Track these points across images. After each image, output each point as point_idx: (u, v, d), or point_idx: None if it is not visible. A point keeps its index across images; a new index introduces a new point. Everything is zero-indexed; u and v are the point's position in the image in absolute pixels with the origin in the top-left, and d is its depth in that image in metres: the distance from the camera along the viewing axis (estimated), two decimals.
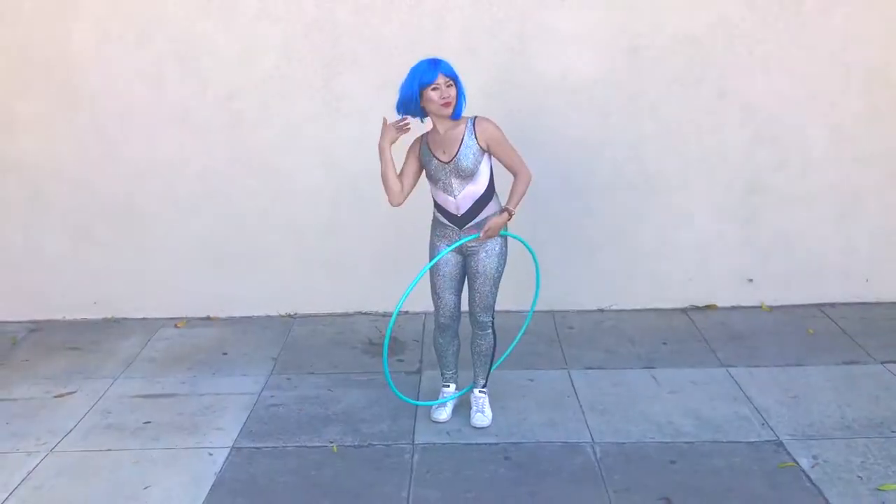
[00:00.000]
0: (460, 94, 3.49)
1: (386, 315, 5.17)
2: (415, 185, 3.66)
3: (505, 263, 3.71)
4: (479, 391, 3.91)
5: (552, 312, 5.12)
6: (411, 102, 3.48)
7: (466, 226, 3.59)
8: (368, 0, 4.74)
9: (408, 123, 3.60)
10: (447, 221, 3.62)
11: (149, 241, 5.13)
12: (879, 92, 4.83)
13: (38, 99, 4.91)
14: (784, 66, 4.80)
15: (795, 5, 4.71)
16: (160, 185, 5.03)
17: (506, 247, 3.70)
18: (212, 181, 5.02)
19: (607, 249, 5.12)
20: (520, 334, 4.23)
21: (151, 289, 5.20)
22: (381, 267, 5.12)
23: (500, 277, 3.71)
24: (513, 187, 3.58)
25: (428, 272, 3.71)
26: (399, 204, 3.64)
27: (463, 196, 3.54)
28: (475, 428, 3.83)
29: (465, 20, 4.76)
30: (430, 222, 3.74)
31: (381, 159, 3.59)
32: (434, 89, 3.42)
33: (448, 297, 3.70)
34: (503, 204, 3.62)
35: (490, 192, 3.60)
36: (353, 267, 5.14)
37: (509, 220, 3.58)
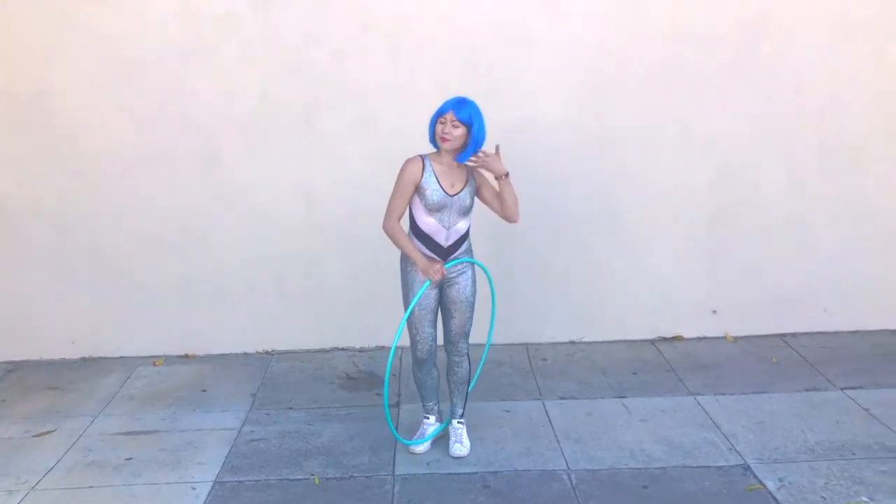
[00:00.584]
0: (471, 142, 3.64)
1: (363, 350, 5.27)
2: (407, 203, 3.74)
3: (476, 291, 3.88)
4: (458, 422, 4.01)
5: (526, 345, 5.26)
6: (431, 127, 3.68)
7: (450, 257, 3.74)
8: (345, 45, 4.90)
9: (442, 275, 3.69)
10: (431, 253, 3.73)
11: (127, 280, 5.18)
12: (831, 131, 5.09)
13: (19, 139, 4.98)
14: (742, 106, 5.05)
15: (751, 50, 4.97)
16: (139, 223, 5.11)
17: (475, 276, 3.87)
18: (191, 219, 5.10)
19: (577, 283, 5.28)
20: (481, 363, 4.32)
21: (129, 327, 5.24)
22: (358, 303, 5.22)
23: (474, 304, 3.87)
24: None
25: (404, 304, 3.82)
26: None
27: (455, 229, 3.71)
28: (454, 458, 3.92)
29: (439, 64, 4.94)
30: (401, 257, 3.84)
31: (412, 254, 3.68)
32: (440, 122, 3.62)
33: (427, 331, 3.81)
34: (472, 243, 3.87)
35: (469, 232, 3.81)
36: (330, 303, 5.23)
37: (506, 178, 3.70)
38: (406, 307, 3.79)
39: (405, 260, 3.80)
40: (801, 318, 5.32)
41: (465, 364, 3.95)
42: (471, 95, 4.83)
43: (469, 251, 3.86)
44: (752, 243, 5.25)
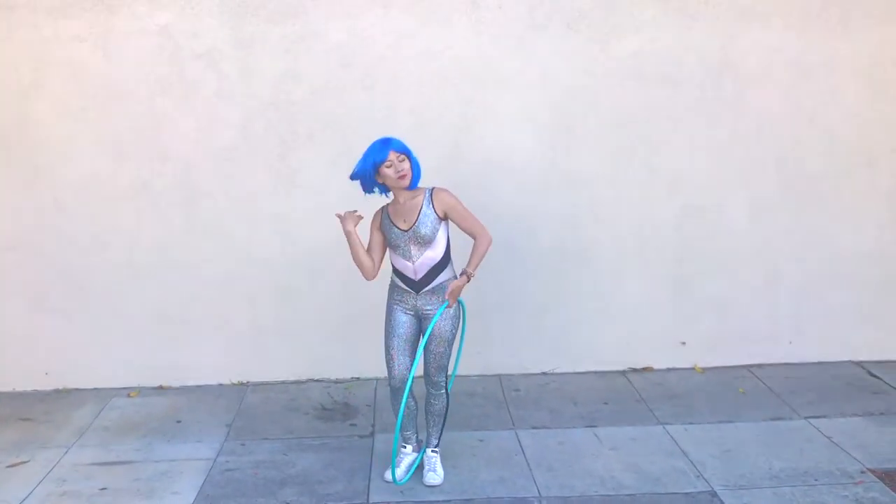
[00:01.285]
0: (414, 166, 3.77)
1: (339, 381, 5.32)
2: (384, 255, 3.90)
3: (458, 327, 3.93)
4: (432, 451, 4.07)
5: (499, 376, 5.34)
6: (368, 180, 3.77)
7: (423, 290, 3.82)
8: (323, 82, 5.03)
9: (356, 212, 3.84)
10: (404, 286, 3.84)
11: (103, 311, 5.21)
12: (792, 169, 5.28)
13: None
14: (707, 144, 5.23)
15: (714, 90, 5.16)
16: (117, 254, 5.15)
17: (459, 310, 3.92)
18: (168, 251, 5.16)
19: (549, 316, 5.39)
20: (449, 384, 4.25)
21: (104, 359, 5.26)
22: (333, 335, 5.28)
23: (453, 339, 3.92)
24: (473, 250, 3.80)
25: (384, 334, 3.90)
26: (374, 277, 3.88)
27: (421, 262, 3.79)
28: (428, 486, 3.97)
29: (414, 101, 5.08)
30: (387, 287, 3.96)
31: (349, 243, 3.81)
32: (388, 166, 3.71)
33: (401, 359, 3.88)
34: (457, 271, 3.87)
35: (446, 259, 3.86)
36: (305, 335, 5.28)
37: (468, 282, 3.77)
38: (384, 336, 3.90)
39: (390, 288, 3.93)
40: (767, 350, 5.47)
41: (442, 399, 4.01)
42: (444, 131, 5.08)
43: (453, 279, 3.84)
44: (718, 277, 5.40)
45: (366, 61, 5.04)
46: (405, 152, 3.76)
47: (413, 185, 3.79)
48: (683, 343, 5.46)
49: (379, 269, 3.90)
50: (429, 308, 3.85)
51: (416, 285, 3.82)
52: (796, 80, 5.19)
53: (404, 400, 3.74)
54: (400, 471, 4.03)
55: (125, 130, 5.04)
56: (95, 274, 5.18)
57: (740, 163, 5.27)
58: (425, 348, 3.90)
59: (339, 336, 5.27)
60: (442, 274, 3.84)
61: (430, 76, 5.07)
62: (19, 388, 5.25)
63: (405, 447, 4.11)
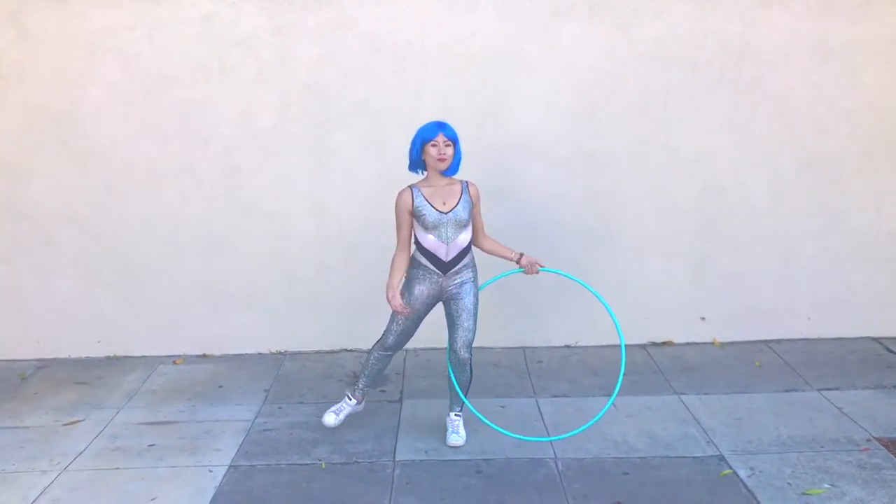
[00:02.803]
0: (457, 154, 4.04)
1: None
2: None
3: (478, 303, 4.17)
4: (455, 414, 4.33)
5: (523, 348, 5.57)
6: (414, 154, 4.07)
7: (449, 271, 4.06)
8: (356, 68, 5.28)
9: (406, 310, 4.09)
10: (433, 266, 4.06)
11: (150, 284, 5.56)
12: (811, 149, 5.40)
13: (53, 153, 5.38)
14: (727, 126, 5.37)
15: (734, 73, 5.30)
16: (163, 231, 5.49)
17: (477, 283, 4.16)
18: (211, 228, 5.48)
19: (572, 291, 5.53)
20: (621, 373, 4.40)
21: (152, 328, 5.61)
22: (365, 307, 5.53)
23: (476, 314, 4.16)
24: (502, 247, 4.24)
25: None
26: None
27: (454, 244, 4.03)
28: (451, 447, 4.24)
29: (442, 86, 5.30)
30: (411, 262, 4.17)
31: (390, 280, 4.09)
32: (433, 146, 3.98)
33: (409, 327, 4.17)
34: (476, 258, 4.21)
35: (470, 245, 4.13)
36: (339, 307, 5.57)
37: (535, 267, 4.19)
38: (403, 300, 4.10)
39: (411, 266, 4.13)
40: (785, 326, 5.62)
41: (467, 372, 4.20)
42: (471, 115, 5.28)
43: (471, 265, 4.15)
44: (738, 255, 5.55)
45: (395, 47, 5.27)
46: (454, 140, 4.04)
47: (450, 172, 4.06)
48: (703, 318, 5.63)
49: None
50: (454, 287, 4.08)
51: (446, 266, 4.05)
52: (816, 63, 5.30)
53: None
54: (339, 418, 4.34)
55: (170, 114, 5.34)
56: (143, 250, 5.52)
57: (760, 144, 5.41)
58: (452, 325, 4.13)
59: (371, 308, 5.48)
60: (466, 257, 4.10)
61: (457, 61, 5.28)
62: (74, 355, 5.63)
63: (351, 400, 4.38)
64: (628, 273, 5.59)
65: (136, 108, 5.34)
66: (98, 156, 5.40)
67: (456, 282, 4.09)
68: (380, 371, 4.36)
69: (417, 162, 4.08)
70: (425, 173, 4.12)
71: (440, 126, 4.01)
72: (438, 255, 4.03)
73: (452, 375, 4.20)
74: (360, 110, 5.33)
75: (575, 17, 5.26)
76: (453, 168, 4.07)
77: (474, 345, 4.20)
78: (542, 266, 4.21)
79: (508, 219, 5.42)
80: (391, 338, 4.22)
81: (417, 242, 4.10)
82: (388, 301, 4.05)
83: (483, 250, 4.24)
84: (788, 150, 5.42)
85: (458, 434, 4.28)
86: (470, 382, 4.27)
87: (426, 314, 4.20)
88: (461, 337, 4.11)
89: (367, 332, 5.53)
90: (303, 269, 5.55)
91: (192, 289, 5.57)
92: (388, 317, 4.29)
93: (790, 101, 5.36)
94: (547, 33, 5.27)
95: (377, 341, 4.32)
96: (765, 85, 5.33)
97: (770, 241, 5.54)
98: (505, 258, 4.22)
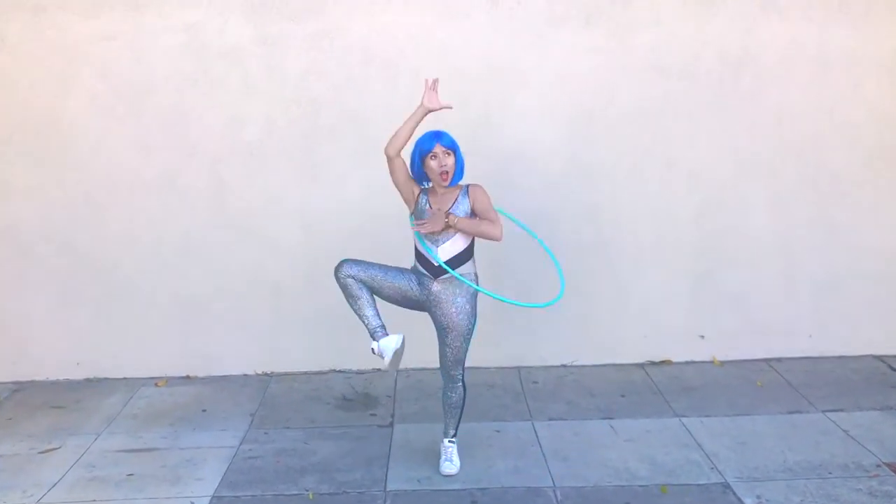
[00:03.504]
0: (458, 163, 3.86)
1: (360, 373, 5.42)
2: (402, 172, 3.86)
3: (475, 320, 3.98)
4: (448, 441, 4.15)
5: (518, 368, 5.40)
6: (415, 169, 3.89)
7: (441, 276, 3.86)
8: (345, 79, 5.12)
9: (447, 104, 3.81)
10: (424, 271, 3.90)
11: (132, 303, 5.36)
12: (812, 163, 5.27)
13: (31, 166, 5.18)
14: (726, 138, 5.24)
15: (733, 83, 5.17)
16: (145, 247, 5.30)
17: (475, 305, 3.98)
18: (195, 244, 5.29)
19: (569, 309, 5.39)
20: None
21: (133, 349, 5.40)
22: (355, 326, 5.29)
23: (470, 334, 3.96)
24: (480, 222, 3.86)
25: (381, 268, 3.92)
26: (390, 155, 3.79)
27: (442, 248, 3.83)
28: (444, 475, 4.05)
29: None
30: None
31: (413, 115, 3.77)
32: (433, 158, 3.80)
33: (385, 289, 3.89)
34: (478, 270, 3.97)
35: (469, 254, 3.91)
36: (327, 326, 5.38)
37: (445, 219, 3.75)
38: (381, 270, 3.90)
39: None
40: (786, 344, 5.47)
41: (459, 391, 4.04)
42: (463, 125, 5.06)
43: (472, 274, 3.92)
44: (738, 271, 5.40)
45: (386, 57, 5.12)
46: (453, 148, 3.84)
47: (452, 183, 3.88)
48: (702, 336, 5.48)
49: (397, 156, 3.81)
50: (444, 295, 3.88)
51: (437, 270, 3.84)
52: (817, 74, 5.18)
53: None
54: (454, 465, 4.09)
55: (153, 126, 5.17)
56: (124, 266, 5.33)
57: (760, 156, 5.27)
58: (441, 341, 3.96)
59: (361, 328, 5.29)
60: (463, 266, 3.88)
61: (450, 71, 5.06)
62: (51, 378, 5.42)
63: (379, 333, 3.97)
64: (625, 289, 5.43)
65: (117, 120, 5.16)
66: (78, 169, 5.21)
67: (447, 290, 3.88)
68: (367, 299, 3.95)
69: (421, 175, 3.89)
70: (430, 185, 3.94)
71: (436, 136, 3.82)
72: (428, 257, 3.86)
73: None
74: (350, 122, 5.16)
75: (570, 26, 5.12)
76: (455, 179, 3.87)
77: (466, 364, 4.04)
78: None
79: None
80: (348, 269, 3.89)
81: (415, 249, 3.94)
82: (426, 104, 3.76)
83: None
84: (789, 163, 5.29)
85: (451, 462, 4.10)
86: (464, 400, 4.09)
87: (402, 302, 3.95)
88: (448, 354, 3.94)
89: (356, 351, 5.36)
90: (290, 286, 5.37)
91: (175, 307, 5.37)
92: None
93: (790, 113, 5.23)
94: (541, 42, 5.13)
95: (340, 265, 3.94)
96: (764, 96, 5.21)
97: (770, 256, 5.40)
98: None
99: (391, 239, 4.82)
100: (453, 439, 4.16)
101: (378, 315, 3.95)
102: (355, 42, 5.11)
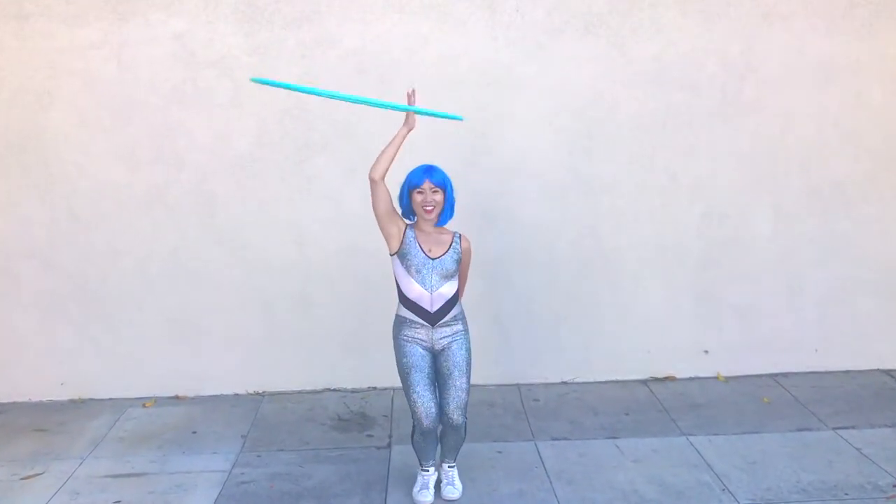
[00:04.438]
0: (448, 203, 3.71)
1: (355, 391, 5.25)
2: (386, 202, 3.68)
3: (471, 364, 3.79)
4: (449, 466, 3.98)
5: (518, 385, 5.25)
6: (403, 199, 3.74)
7: (438, 323, 3.70)
8: (338, 88, 4.91)
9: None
10: (420, 319, 3.70)
11: (118, 321, 5.18)
12: (816, 173, 5.17)
13: (14, 180, 5.01)
14: (728, 149, 5.13)
15: (735, 93, 5.07)
16: (132, 264, 5.12)
17: (470, 349, 3.79)
18: (183, 260, 5.12)
19: (569, 324, 5.30)
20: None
21: (120, 369, 5.22)
22: (350, 344, 5.22)
23: (469, 376, 3.78)
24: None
25: (401, 373, 3.75)
26: (375, 179, 3.63)
27: (438, 294, 3.68)
28: (446, 500, 3.89)
29: (429, 106, 4.96)
30: (392, 325, 3.81)
31: (395, 136, 3.64)
32: (419, 193, 3.65)
33: (427, 396, 3.68)
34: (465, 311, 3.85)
35: (456, 297, 3.77)
36: (322, 344, 5.22)
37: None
38: (400, 374, 3.75)
39: (397, 326, 3.77)
40: (792, 359, 5.35)
41: (461, 433, 3.82)
42: (461, 137, 4.98)
43: (461, 318, 3.79)
44: (742, 284, 5.29)
45: (381, 67, 4.98)
46: (443, 187, 3.69)
47: (441, 223, 3.74)
48: (706, 352, 5.35)
49: (381, 181, 3.64)
50: (444, 339, 3.72)
51: (432, 318, 3.69)
52: (820, 83, 5.09)
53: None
54: (429, 495, 3.89)
55: (140, 139, 5.01)
56: (110, 283, 5.15)
57: (763, 168, 5.17)
58: (443, 385, 3.75)
59: (356, 345, 5.20)
60: (454, 309, 3.75)
61: (447, 81, 4.99)
62: (35, 399, 5.22)
63: (427, 470, 3.92)
64: (627, 303, 5.30)
65: (103, 132, 4.99)
66: (62, 183, 5.04)
67: (446, 334, 3.72)
68: (432, 448, 3.87)
69: (408, 209, 3.74)
70: (416, 220, 3.77)
71: (427, 172, 3.67)
72: (423, 305, 3.69)
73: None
74: (343, 134, 5.02)
75: (569, 36, 5.01)
76: (444, 217, 3.73)
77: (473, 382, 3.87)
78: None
79: (501, 246, 5.14)
80: (419, 412, 3.68)
81: (401, 295, 3.74)
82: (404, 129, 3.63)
83: None
84: (792, 174, 5.19)
85: (453, 486, 3.93)
86: (462, 443, 3.90)
87: (432, 371, 3.75)
88: (454, 398, 3.72)
89: (351, 369, 5.26)
90: (282, 303, 5.20)
91: (163, 325, 5.19)
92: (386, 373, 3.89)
93: (794, 123, 5.13)
94: (540, 52, 5.01)
95: (412, 429, 3.82)
96: (767, 106, 5.11)
97: (774, 269, 5.29)
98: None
99: (386, 254, 4.66)
100: (453, 464, 3.99)
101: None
102: (349, 51, 4.97)
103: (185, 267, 5.14)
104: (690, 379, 5.31)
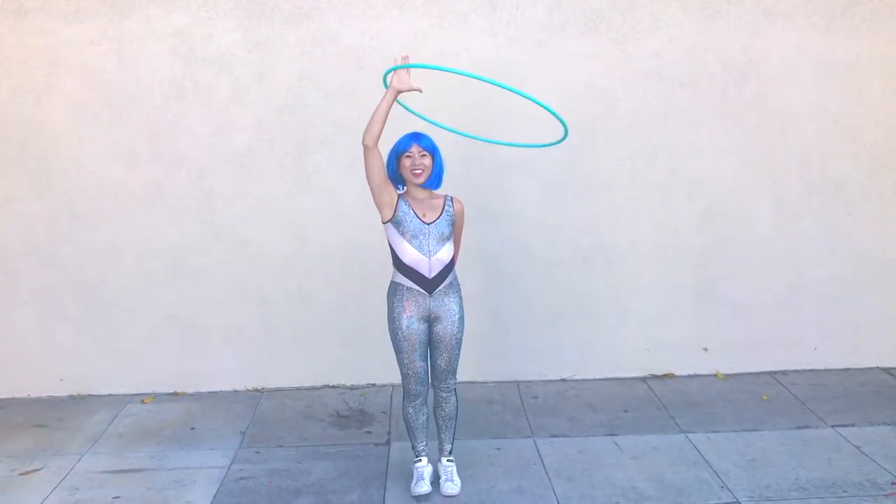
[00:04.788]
0: (437, 166, 3.78)
1: (354, 388, 5.25)
2: (380, 168, 3.69)
3: (464, 327, 3.87)
4: (447, 460, 3.98)
5: (517, 382, 5.25)
6: (392, 170, 3.79)
7: (436, 290, 3.75)
8: (338, 86, 4.97)
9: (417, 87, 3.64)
10: (416, 286, 3.75)
11: (117, 317, 5.17)
12: (817, 170, 5.16)
13: (12, 176, 5.00)
14: (728, 146, 5.12)
15: (736, 90, 5.06)
16: (131, 260, 5.11)
17: (464, 311, 3.87)
18: (182, 255, 5.11)
19: (568, 321, 5.30)
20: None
21: (118, 365, 5.21)
22: (349, 340, 5.21)
23: (462, 340, 3.86)
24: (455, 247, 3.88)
25: (395, 342, 3.81)
26: (368, 145, 3.63)
27: (436, 259, 3.73)
28: (445, 496, 3.89)
29: (430, 103, 4.94)
30: (387, 291, 3.84)
31: (383, 98, 3.61)
32: (408, 157, 3.72)
33: (419, 363, 3.80)
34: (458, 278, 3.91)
35: (452, 263, 3.84)
36: (321, 340, 5.22)
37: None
38: (393, 341, 3.82)
39: (392, 292, 3.82)
40: (791, 356, 5.34)
41: (453, 400, 3.91)
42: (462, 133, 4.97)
43: (456, 285, 3.86)
44: (741, 282, 5.28)
45: (380, 63, 4.93)
46: (430, 150, 3.76)
47: (430, 185, 3.79)
48: (705, 349, 5.34)
49: (374, 146, 3.63)
50: (440, 308, 3.78)
51: (430, 284, 3.74)
52: (821, 81, 5.08)
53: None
54: (425, 485, 3.91)
55: (139, 135, 5.00)
56: (109, 279, 5.14)
57: (763, 165, 5.16)
58: (435, 352, 3.83)
59: (355, 341, 5.20)
60: (450, 275, 3.82)
61: (447, 78, 4.96)
62: (34, 394, 5.22)
63: (420, 460, 3.97)
64: (627, 300, 5.30)
65: (102, 128, 4.98)
66: (60, 179, 5.03)
67: (443, 303, 3.78)
68: (422, 423, 3.94)
69: (396, 176, 3.80)
70: (405, 188, 3.83)
71: (415, 137, 3.76)
72: (421, 271, 3.73)
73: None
74: (343, 130, 5.00)
75: (570, 32, 5.00)
76: (433, 181, 3.80)
77: (464, 379, 3.88)
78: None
79: (500, 242, 5.14)
80: (409, 383, 3.84)
81: (397, 261, 3.78)
82: (401, 85, 3.59)
83: None
84: (793, 172, 5.18)
85: (452, 482, 3.93)
86: (457, 411, 3.95)
87: (427, 343, 3.82)
88: (447, 363, 3.83)
89: (350, 366, 5.25)
90: (281, 299, 5.20)
91: (161, 321, 5.18)
92: (384, 355, 3.93)
93: (794, 120, 5.12)
94: (540, 49, 5.00)
95: (402, 397, 3.93)
96: (768, 103, 5.10)
97: (774, 266, 5.28)
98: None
99: (385, 249, 4.65)
100: (451, 458, 4.00)
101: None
102: (349, 48, 4.96)
103: (185, 263, 5.13)
104: (690, 376, 5.31)
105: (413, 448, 4.00)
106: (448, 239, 3.78)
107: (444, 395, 3.90)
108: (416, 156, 3.72)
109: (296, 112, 5.00)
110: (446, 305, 3.79)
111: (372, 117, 3.64)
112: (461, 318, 3.84)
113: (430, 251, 3.72)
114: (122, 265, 5.13)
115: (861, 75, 5.07)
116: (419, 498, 3.88)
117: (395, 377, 4.02)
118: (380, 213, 3.78)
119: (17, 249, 5.07)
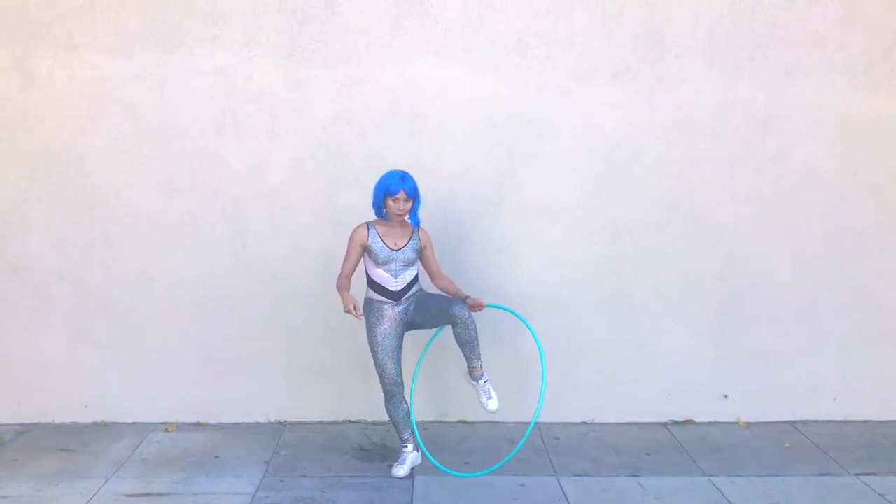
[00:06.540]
0: (416, 207, 4.39)
1: (376, 424, 5.26)
2: (359, 258, 4.44)
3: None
4: (483, 381, 4.42)
5: (538, 424, 5.25)
6: (376, 202, 4.37)
7: (402, 298, 4.36)
8: (372, 126, 5.12)
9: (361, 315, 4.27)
10: (385, 298, 4.36)
11: (144, 346, 5.23)
12: (837, 223, 5.26)
13: (50, 204, 5.11)
14: (751, 196, 5.24)
15: (758, 143, 5.19)
16: (162, 289, 5.20)
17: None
18: (213, 287, 5.20)
19: (589, 364, 5.34)
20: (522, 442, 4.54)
21: (144, 393, 5.26)
22: (372, 376, 5.21)
23: (430, 293, 4.51)
24: (455, 287, 4.48)
25: (370, 348, 4.41)
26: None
27: (402, 277, 4.37)
28: (489, 412, 4.41)
29: (460, 145, 5.14)
30: (363, 304, 4.40)
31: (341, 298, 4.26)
32: (394, 200, 4.28)
33: (391, 367, 4.38)
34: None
35: (417, 279, 4.47)
36: (344, 375, 5.27)
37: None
38: (370, 348, 4.42)
39: (367, 307, 4.41)
40: (811, 406, 5.37)
41: (471, 326, 4.25)
42: (489, 176, 5.13)
43: (419, 289, 4.49)
44: (762, 331, 5.34)
45: (414, 107, 5.12)
46: (414, 197, 4.34)
47: (413, 223, 4.45)
48: (726, 396, 5.37)
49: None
50: (410, 305, 4.40)
51: (396, 295, 4.35)
52: (841, 136, 5.21)
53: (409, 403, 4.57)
54: (405, 468, 4.47)
55: (177, 168, 5.13)
56: (139, 308, 5.22)
57: (785, 216, 5.27)
58: (430, 319, 4.37)
59: (377, 378, 5.23)
60: (414, 286, 4.43)
61: (477, 122, 5.14)
62: (59, 420, 5.25)
63: (406, 447, 4.52)
64: (648, 345, 5.35)
65: (142, 160, 5.12)
66: (98, 208, 5.15)
67: (410, 300, 4.40)
68: (403, 418, 4.51)
69: (380, 210, 4.36)
70: (382, 216, 4.42)
71: (403, 180, 4.27)
72: (388, 286, 4.34)
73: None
74: (376, 168, 5.09)
75: (597, 82, 5.15)
76: (411, 218, 4.42)
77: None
78: (488, 303, 4.39)
79: (525, 285, 5.22)
80: (386, 385, 4.43)
81: (368, 277, 4.40)
82: (351, 311, 4.15)
83: (438, 288, 4.54)
84: (814, 223, 5.28)
85: (492, 398, 4.40)
86: (476, 337, 4.31)
87: (400, 347, 4.43)
88: (439, 310, 4.28)
89: (372, 402, 5.24)
90: (307, 334, 5.27)
91: (188, 351, 5.25)
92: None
93: (814, 173, 5.24)
94: (568, 97, 5.16)
95: (383, 398, 4.52)
96: (790, 156, 5.22)
97: (795, 316, 5.34)
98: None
99: None
100: (485, 378, 4.41)
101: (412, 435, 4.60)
102: (384, 91, 5.12)
103: (214, 294, 5.22)
104: (710, 423, 5.33)
105: (399, 438, 4.55)
106: (413, 264, 4.39)
107: (459, 321, 4.22)
108: (402, 201, 4.28)
109: (331, 150, 5.14)
110: (414, 298, 4.41)
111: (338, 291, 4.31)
112: (427, 294, 4.46)
113: (397, 272, 4.35)
114: (153, 294, 5.21)
115: (882, 131, 5.21)
116: (394, 479, 4.45)
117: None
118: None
119: (53, 275, 5.17)
